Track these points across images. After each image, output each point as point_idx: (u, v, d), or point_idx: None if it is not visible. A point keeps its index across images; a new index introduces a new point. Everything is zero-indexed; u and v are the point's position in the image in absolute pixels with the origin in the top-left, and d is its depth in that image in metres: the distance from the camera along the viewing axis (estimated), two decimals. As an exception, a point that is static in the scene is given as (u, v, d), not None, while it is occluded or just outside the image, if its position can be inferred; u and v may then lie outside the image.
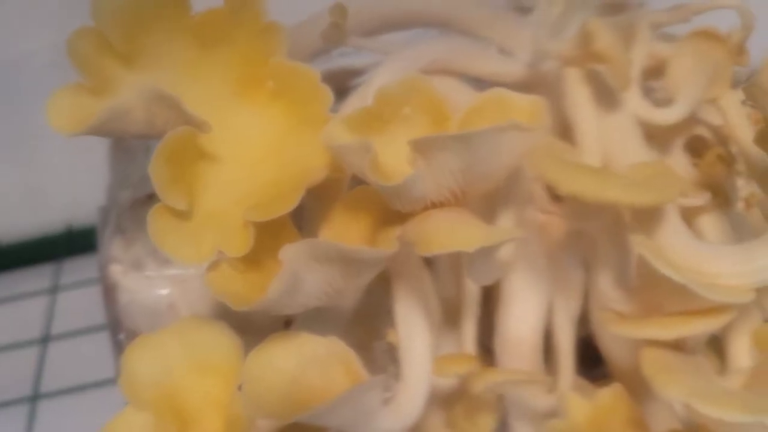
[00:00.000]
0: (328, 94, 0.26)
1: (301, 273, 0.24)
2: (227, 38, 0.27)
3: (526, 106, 0.25)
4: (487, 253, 0.25)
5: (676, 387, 0.22)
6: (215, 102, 0.27)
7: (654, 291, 0.24)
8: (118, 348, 0.33)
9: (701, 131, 0.29)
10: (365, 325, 0.31)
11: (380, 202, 0.26)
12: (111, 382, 0.29)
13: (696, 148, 0.30)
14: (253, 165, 0.26)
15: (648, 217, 0.24)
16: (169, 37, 0.26)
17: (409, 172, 0.22)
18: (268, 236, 0.26)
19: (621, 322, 0.24)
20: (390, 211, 0.26)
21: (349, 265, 0.24)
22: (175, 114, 0.24)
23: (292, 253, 0.23)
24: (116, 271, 0.33)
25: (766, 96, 0.22)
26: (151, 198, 0.32)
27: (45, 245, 0.62)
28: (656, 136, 0.30)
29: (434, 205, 0.24)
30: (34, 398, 0.50)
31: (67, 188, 0.62)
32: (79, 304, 0.56)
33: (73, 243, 0.61)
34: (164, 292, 0.33)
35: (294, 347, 0.26)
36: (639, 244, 0.22)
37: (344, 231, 0.27)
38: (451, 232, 0.23)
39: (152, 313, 0.33)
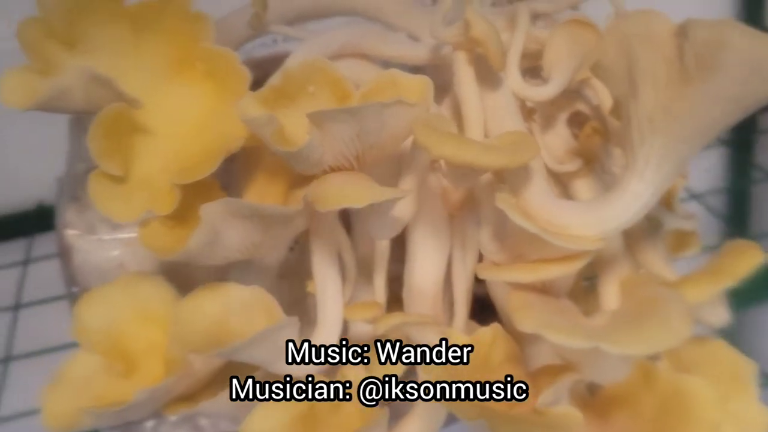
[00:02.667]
0: (246, 73, 0.30)
1: (219, 227, 0.28)
2: (159, 26, 0.30)
3: (415, 84, 0.29)
4: (380, 210, 0.29)
5: (530, 320, 0.26)
6: (151, 81, 0.31)
7: (519, 242, 0.28)
8: (73, 300, 0.37)
9: (582, 107, 0.34)
10: (300, 281, 0.35)
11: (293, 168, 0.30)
12: (74, 345, 0.32)
13: (580, 122, 0.34)
14: (182, 137, 0.30)
15: (515, 179, 0.28)
16: (106, 24, 0.29)
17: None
18: (198, 197, 0.30)
19: (489, 268, 0.28)
20: (301, 175, 0.30)
21: (261, 220, 0.28)
22: (109, 92, 0.28)
23: (210, 209, 0.27)
24: (71, 234, 0.37)
25: (607, 74, 0.26)
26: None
27: (17, 221, 0.66)
28: (544, 111, 0.34)
29: (333, 170, 0.28)
30: (7, 360, 0.53)
31: (37, 167, 0.65)
32: (48, 275, 0.59)
33: (43, 219, 0.64)
34: (114, 253, 0.37)
35: (220, 295, 0.30)
36: (499, 199, 0.26)
37: (264, 192, 0.31)
38: (342, 191, 0.26)
39: (103, 272, 0.37)
